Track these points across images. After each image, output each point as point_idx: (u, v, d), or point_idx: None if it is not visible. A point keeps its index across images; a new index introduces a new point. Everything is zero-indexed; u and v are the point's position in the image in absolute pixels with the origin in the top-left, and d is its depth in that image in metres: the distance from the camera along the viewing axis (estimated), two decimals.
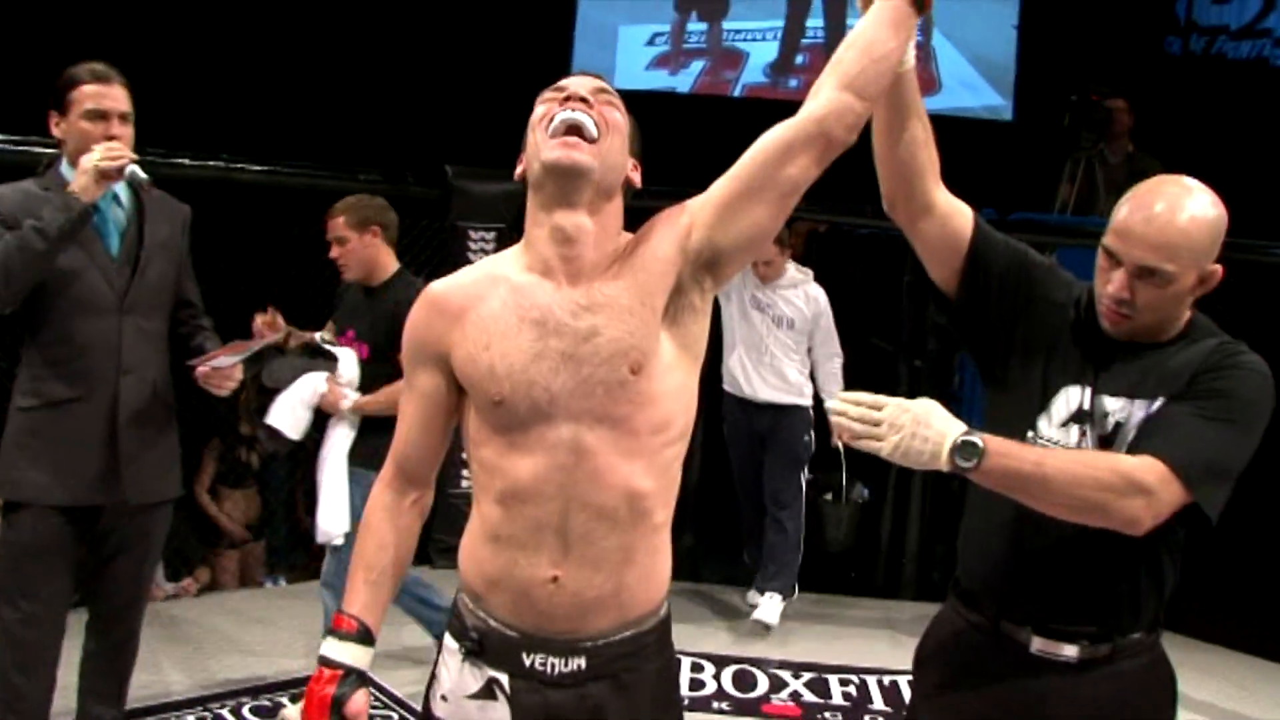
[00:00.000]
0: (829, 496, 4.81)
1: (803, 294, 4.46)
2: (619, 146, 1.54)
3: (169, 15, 5.67)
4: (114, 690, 2.70)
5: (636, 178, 1.61)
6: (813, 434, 4.48)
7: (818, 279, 4.52)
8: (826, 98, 1.51)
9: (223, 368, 2.65)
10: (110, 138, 2.46)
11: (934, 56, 6.45)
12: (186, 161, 4.18)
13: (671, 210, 1.58)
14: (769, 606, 4.32)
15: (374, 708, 3.38)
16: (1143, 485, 1.58)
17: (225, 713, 3.29)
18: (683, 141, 4.06)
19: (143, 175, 2.44)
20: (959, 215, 1.79)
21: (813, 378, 4.51)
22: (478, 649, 1.53)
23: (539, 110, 1.55)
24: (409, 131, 5.69)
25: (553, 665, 1.50)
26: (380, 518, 1.64)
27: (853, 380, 5.00)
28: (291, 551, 5.35)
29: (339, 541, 3.18)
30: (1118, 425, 1.70)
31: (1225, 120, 5.94)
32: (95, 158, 2.39)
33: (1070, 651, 1.74)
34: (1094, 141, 5.43)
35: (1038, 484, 1.58)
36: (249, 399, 5.00)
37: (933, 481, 4.94)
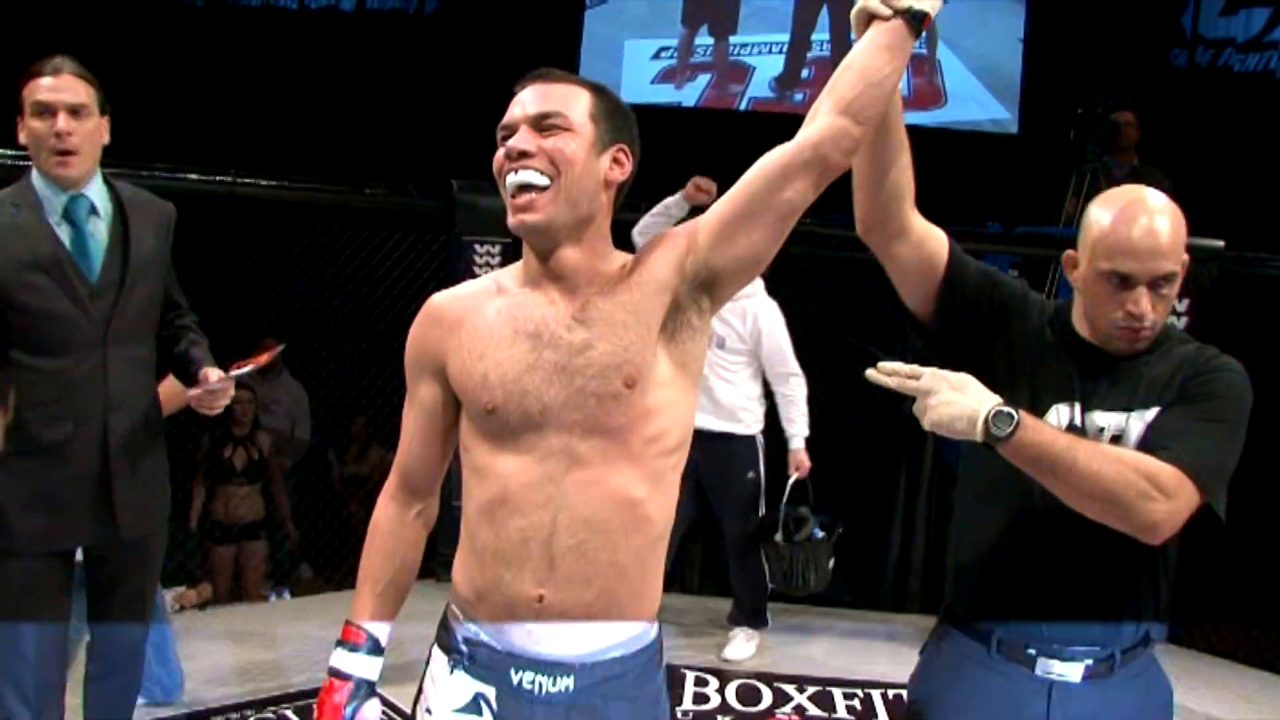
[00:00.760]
0: (779, 538, 4.08)
1: (740, 309, 4.03)
2: (580, 172, 1.50)
3: (176, 33, 5.70)
4: (120, 714, 2.64)
5: (619, 172, 1.56)
6: (760, 468, 4.09)
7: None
8: (824, 122, 1.51)
9: (217, 389, 2.48)
10: (59, 135, 2.26)
11: (939, 70, 6.46)
12: (194, 176, 4.21)
13: (673, 230, 1.58)
14: (738, 645, 4.11)
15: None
16: (1165, 488, 1.57)
17: None
18: (689, 155, 4.07)
19: None
20: (934, 239, 1.78)
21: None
22: (468, 660, 1.53)
23: (499, 153, 1.53)
24: (414, 145, 5.72)
25: (540, 685, 1.49)
26: (385, 529, 1.65)
27: (851, 391, 5.00)
28: (295, 565, 5.35)
29: None
30: (1115, 439, 1.69)
31: (1231, 134, 5.94)
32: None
33: (1075, 671, 1.74)
34: (1099, 155, 5.42)
35: (1066, 466, 1.56)
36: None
37: (938, 495, 4.93)
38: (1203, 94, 6.29)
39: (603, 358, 1.48)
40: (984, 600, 1.80)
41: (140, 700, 2.90)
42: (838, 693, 3.80)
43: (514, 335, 1.51)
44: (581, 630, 1.48)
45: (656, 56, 6.88)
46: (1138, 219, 1.66)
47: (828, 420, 5.14)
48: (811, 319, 5.16)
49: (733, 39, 6.82)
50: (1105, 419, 1.71)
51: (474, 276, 1.74)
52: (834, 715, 3.63)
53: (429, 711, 1.57)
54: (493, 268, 4.51)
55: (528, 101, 1.52)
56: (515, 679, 1.50)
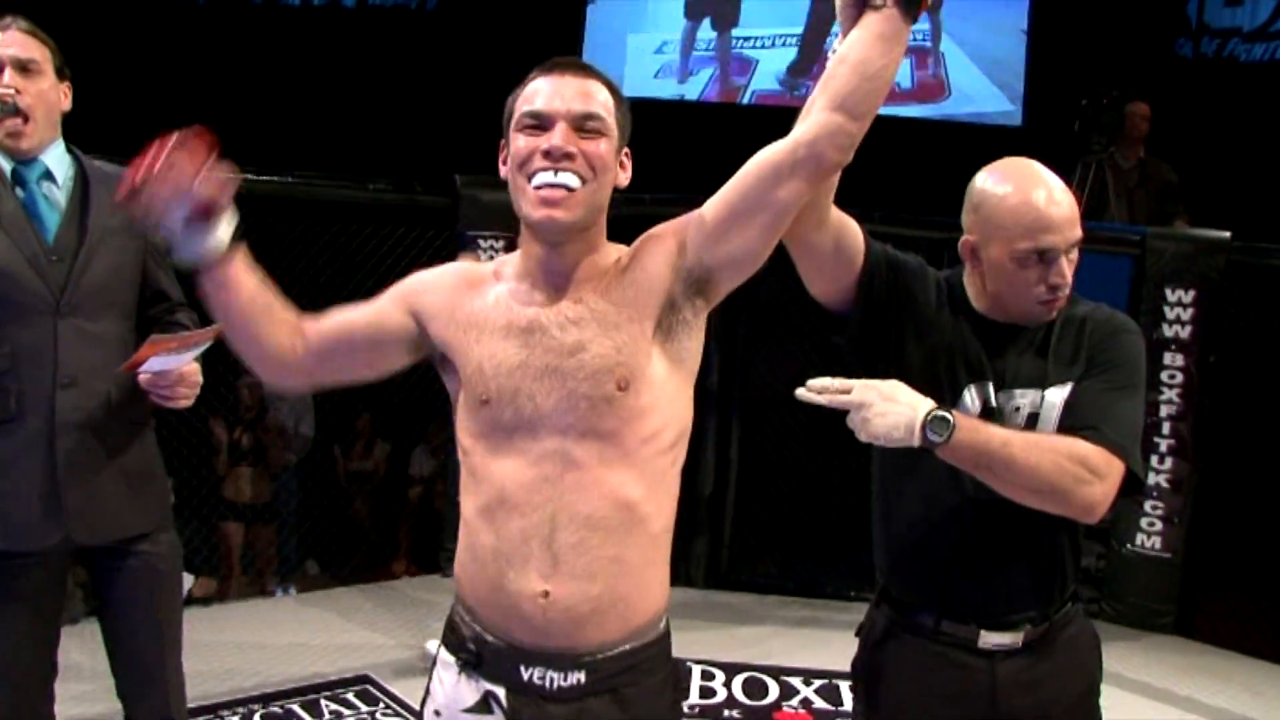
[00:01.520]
0: None
1: None
2: (607, 179, 1.51)
3: (178, 29, 5.70)
4: None
5: (624, 177, 1.56)
6: None
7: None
8: (818, 119, 1.48)
9: (169, 371, 2.12)
10: (4, 90, 2.05)
11: (943, 62, 6.44)
12: None
13: (666, 227, 1.57)
14: None
15: (383, 714, 3.39)
16: (1098, 470, 1.63)
17: None
18: (692, 149, 4.06)
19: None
20: (850, 227, 1.76)
21: None
22: (475, 661, 1.52)
23: (520, 141, 1.48)
24: (418, 140, 5.71)
25: (551, 679, 1.48)
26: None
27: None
28: (302, 561, 5.37)
29: None
30: (1032, 416, 1.74)
31: (1238, 124, 5.91)
32: None
33: (1015, 639, 1.79)
34: (1104, 145, 5.40)
35: (1003, 463, 1.60)
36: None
37: None
38: (1209, 84, 6.27)
39: (595, 360, 1.47)
40: (924, 581, 1.83)
41: None
42: (844, 686, 3.80)
43: (507, 328, 1.51)
44: (589, 623, 1.48)
45: (659, 51, 6.87)
46: (1042, 191, 1.71)
47: (832, 414, 5.15)
48: (816, 313, 5.15)
49: (735, 32, 6.80)
50: (1020, 397, 1.75)
51: None
52: (841, 709, 3.63)
53: (437, 713, 1.56)
54: None
55: (569, 96, 1.48)
56: (526, 675, 1.49)
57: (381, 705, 3.45)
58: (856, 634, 1.97)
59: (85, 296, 2.13)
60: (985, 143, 6.26)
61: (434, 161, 5.15)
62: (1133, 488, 1.71)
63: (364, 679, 3.63)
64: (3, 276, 2.05)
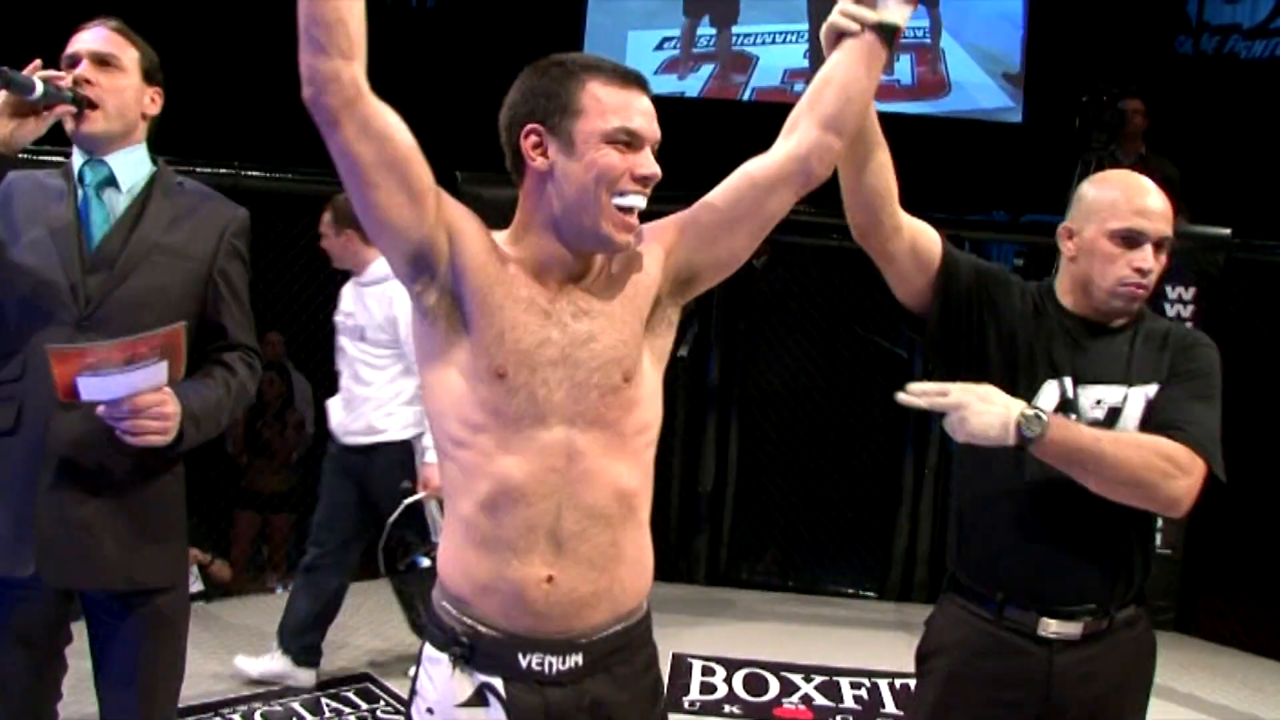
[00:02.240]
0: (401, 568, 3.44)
1: (380, 293, 3.46)
2: None
3: (179, 25, 5.70)
4: None
5: None
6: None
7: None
8: (807, 136, 1.59)
9: (119, 400, 1.82)
10: (76, 81, 1.95)
11: (943, 59, 6.44)
12: (199, 169, 4.20)
13: (655, 228, 1.60)
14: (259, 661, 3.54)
15: (384, 712, 3.39)
16: (1183, 466, 1.73)
17: (236, 718, 3.30)
18: (691, 146, 4.06)
19: (22, 79, 1.84)
20: (925, 234, 1.88)
21: None
22: (467, 655, 1.52)
23: (612, 157, 1.47)
24: (418, 137, 5.70)
25: (550, 664, 1.51)
26: None
27: (856, 381, 4.99)
28: (302, 559, 5.36)
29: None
30: (1113, 411, 1.83)
31: (1238, 121, 5.91)
32: None
33: (1076, 629, 1.85)
34: (1105, 142, 5.40)
35: (1094, 459, 1.71)
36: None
37: (944, 484, 4.92)
38: (1208, 81, 6.27)
39: (606, 351, 1.51)
40: (991, 569, 1.90)
41: None
42: (845, 682, 3.81)
43: (530, 302, 1.50)
44: (588, 606, 1.51)
45: (659, 47, 6.88)
46: (1141, 185, 1.86)
47: (832, 411, 5.14)
48: (815, 310, 5.16)
49: (735, 29, 6.81)
50: (1100, 392, 1.84)
51: None
52: (841, 705, 3.64)
53: (430, 711, 1.55)
54: None
55: (652, 118, 1.51)
56: (524, 662, 1.51)
57: (382, 703, 3.46)
58: (927, 624, 2.04)
59: (114, 312, 1.93)
60: (985, 139, 6.28)
61: (435, 159, 5.12)
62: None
63: (364, 677, 3.64)
64: (34, 281, 1.92)
